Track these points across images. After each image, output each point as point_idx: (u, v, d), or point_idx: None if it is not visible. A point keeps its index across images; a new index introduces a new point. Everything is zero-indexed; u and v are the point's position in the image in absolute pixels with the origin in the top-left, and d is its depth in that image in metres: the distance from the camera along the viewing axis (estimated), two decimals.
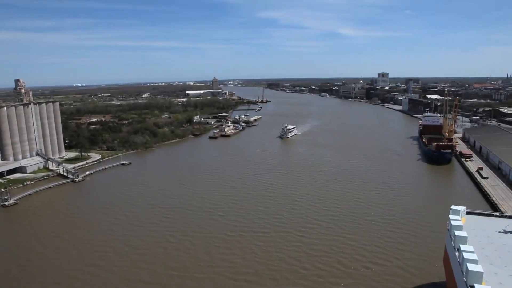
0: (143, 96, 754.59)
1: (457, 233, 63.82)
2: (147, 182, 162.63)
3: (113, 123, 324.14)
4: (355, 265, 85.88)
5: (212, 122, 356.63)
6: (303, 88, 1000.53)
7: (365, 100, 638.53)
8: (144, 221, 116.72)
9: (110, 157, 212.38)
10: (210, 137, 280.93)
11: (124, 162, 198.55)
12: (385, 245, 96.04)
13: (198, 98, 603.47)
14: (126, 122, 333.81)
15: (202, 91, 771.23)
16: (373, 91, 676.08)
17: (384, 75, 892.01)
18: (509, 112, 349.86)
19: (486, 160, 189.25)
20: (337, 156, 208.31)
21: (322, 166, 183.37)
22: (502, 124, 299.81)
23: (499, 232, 68.79)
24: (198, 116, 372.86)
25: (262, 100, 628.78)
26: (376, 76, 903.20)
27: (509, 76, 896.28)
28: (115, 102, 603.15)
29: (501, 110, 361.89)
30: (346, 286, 77.80)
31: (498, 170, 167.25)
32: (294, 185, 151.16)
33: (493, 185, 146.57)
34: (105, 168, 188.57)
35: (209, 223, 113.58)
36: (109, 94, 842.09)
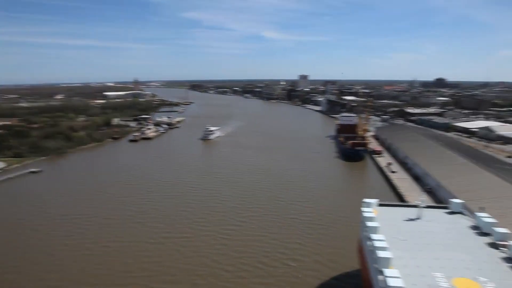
0: (57, 97, 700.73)
1: (369, 224, 68.09)
2: (60, 191, 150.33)
3: (21, 127, 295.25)
4: (276, 263, 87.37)
5: (133, 125, 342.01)
6: (226, 89, 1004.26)
7: (286, 102, 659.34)
8: (55, 234, 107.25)
9: (17, 165, 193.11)
10: (130, 140, 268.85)
11: (33, 169, 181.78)
12: (305, 241, 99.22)
13: (118, 100, 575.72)
14: (36, 126, 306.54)
15: (122, 93, 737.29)
16: (294, 93, 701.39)
17: (304, 77, 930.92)
18: (413, 112, 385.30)
19: (395, 155, 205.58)
20: (260, 156, 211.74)
21: (245, 167, 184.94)
22: (408, 123, 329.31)
23: (405, 220, 74.77)
24: (118, 118, 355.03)
25: (185, 102, 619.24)
26: (297, 78, 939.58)
27: (413, 79, 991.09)
28: (23, 104, 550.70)
29: (407, 110, 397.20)
30: (268, 285, 78.76)
31: (404, 165, 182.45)
32: (216, 187, 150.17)
33: (400, 178, 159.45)
34: (11, 177, 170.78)
35: (127, 231, 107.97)
36: (17, 96, 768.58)
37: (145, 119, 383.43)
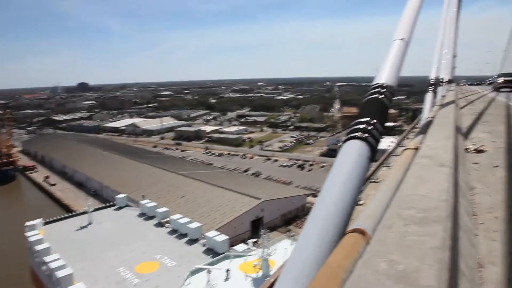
0: None
1: (38, 247, 62.34)
2: None
3: None
4: None
5: None
6: None
7: None
8: None
9: None
10: None
11: None
12: None
13: None
14: None
15: None
16: None
17: None
18: (62, 119, 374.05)
19: (51, 167, 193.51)
20: None
21: None
22: (58, 131, 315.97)
23: (77, 230, 73.03)
24: None
25: None
26: None
27: (55, 85, 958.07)
28: None
29: (54, 118, 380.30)
30: None
31: (64, 174, 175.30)
32: None
33: (62, 189, 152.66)
34: None
35: None
36: None
37: None
